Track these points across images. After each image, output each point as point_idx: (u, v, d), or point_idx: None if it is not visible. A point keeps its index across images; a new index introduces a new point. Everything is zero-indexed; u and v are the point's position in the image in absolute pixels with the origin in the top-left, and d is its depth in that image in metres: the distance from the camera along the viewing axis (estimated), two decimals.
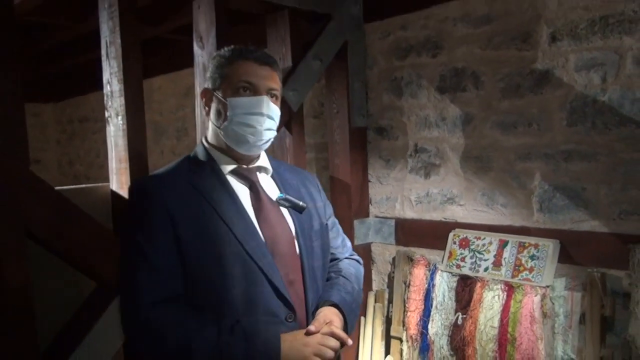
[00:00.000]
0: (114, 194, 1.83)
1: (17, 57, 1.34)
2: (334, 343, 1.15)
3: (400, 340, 2.46)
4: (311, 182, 1.48)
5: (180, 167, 1.33)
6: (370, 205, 2.73)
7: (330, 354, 1.16)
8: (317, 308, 1.31)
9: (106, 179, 1.89)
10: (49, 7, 2.69)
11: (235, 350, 1.12)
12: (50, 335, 1.71)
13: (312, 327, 1.20)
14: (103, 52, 1.82)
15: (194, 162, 1.34)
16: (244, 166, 1.33)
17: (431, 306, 2.34)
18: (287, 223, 1.31)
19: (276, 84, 1.31)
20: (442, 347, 2.30)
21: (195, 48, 2.17)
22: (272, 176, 1.39)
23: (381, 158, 2.68)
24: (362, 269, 1.53)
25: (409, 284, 2.43)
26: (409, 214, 2.59)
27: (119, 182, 1.80)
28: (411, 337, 2.39)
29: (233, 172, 1.31)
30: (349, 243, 1.56)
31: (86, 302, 1.77)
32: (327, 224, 1.44)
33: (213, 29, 2.10)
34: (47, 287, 1.72)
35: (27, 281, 1.35)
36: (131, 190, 1.30)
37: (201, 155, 1.34)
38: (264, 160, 1.38)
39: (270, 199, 1.32)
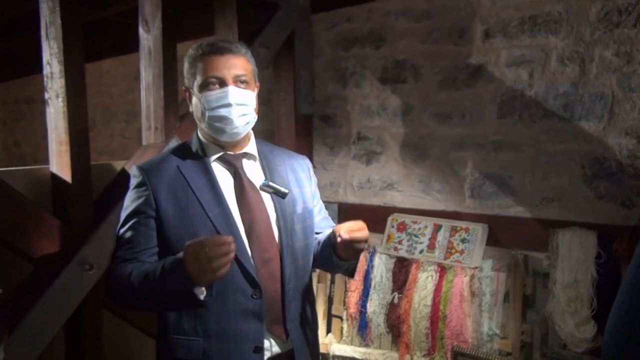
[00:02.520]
0: (54, 176, 1.83)
1: None
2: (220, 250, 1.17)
3: (341, 318, 2.57)
4: (302, 168, 1.55)
5: (173, 153, 1.42)
6: None
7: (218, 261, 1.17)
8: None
9: None
10: None
11: (156, 279, 1.24)
12: None
13: (341, 232, 1.31)
14: (42, 32, 1.80)
15: (186, 149, 1.44)
16: (230, 153, 1.41)
17: (370, 286, 2.46)
18: (266, 207, 1.39)
19: (242, 68, 1.36)
20: (380, 325, 2.42)
21: (141, 32, 2.17)
22: (259, 162, 1.46)
23: (326, 145, 2.76)
24: None
25: None
26: (351, 198, 2.69)
27: (59, 164, 1.81)
28: (351, 315, 2.50)
29: (219, 159, 1.41)
30: (334, 224, 1.64)
31: (24, 284, 1.77)
32: (312, 209, 1.52)
33: (159, 12, 2.11)
34: None
35: None
36: (131, 174, 1.41)
37: (194, 142, 1.44)
38: (251, 147, 1.46)
39: (252, 185, 1.40)
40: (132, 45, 3.53)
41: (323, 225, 1.59)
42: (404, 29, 2.44)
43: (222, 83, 1.34)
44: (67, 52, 1.76)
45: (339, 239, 1.31)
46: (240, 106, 1.35)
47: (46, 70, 1.81)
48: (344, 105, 2.67)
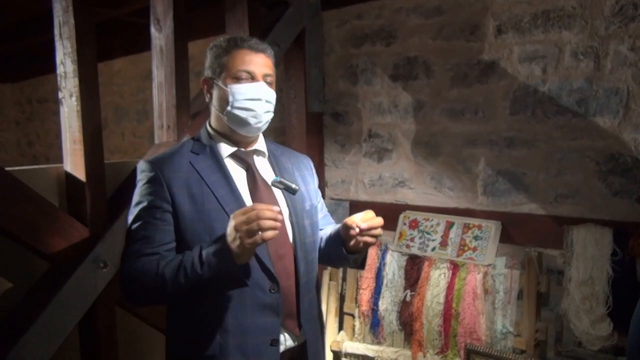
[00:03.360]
0: (69, 175, 1.84)
1: None
2: (270, 213, 1.16)
3: (353, 316, 2.57)
4: (305, 166, 1.57)
5: (184, 148, 1.42)
6: (326, 187, 2.82)
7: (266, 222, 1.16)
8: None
9: None
10: None
11: (194, 265, 1.22)
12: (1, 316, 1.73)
13: (353, 224, 1.29)
14: (56, 32, 1.81)
15: (196, 144, 1.43)
16: (242, 149, 1.43)
17: (382, 284, 2.45)
18: (279, 203, 1.40)
19: (271, 69, 1.41)
20: (392, 322, 2.41)
21: (153, 31, 2.18)
22: (268, 159, 1.48)
23: (337, 142, 2.76)
24: None
25: None
26: (363, 196, 2.68)
27: (72, 163, 1.82)
28: (363, 313, 2.50)
29: (231, 155, 1.41)
30: (333, 222, 1.67)
31: (38, 282, 1.79)
32: (317, 205, 1.55)
33: (170, 12, 2.11)
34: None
35: None
36: (139, 169, 1.39)
37: (204, 138, 1.44)
38: (261, 144, 1.48)
39: (265, 181, 1.42)
40: (143, 44, 3.56)
41: (323, 222, 1.60)
42: (415, 25, 2.43)
43: (253, 78, 1.36)
44: (80, 52, 1.77)
45: (357, 230, 1.30)
46: (267, 103, 1.38)
47: (60, 69, 1.82)
48: (354, 102, 2.67)
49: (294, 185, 1.40)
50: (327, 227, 1.58)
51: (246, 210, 1.17)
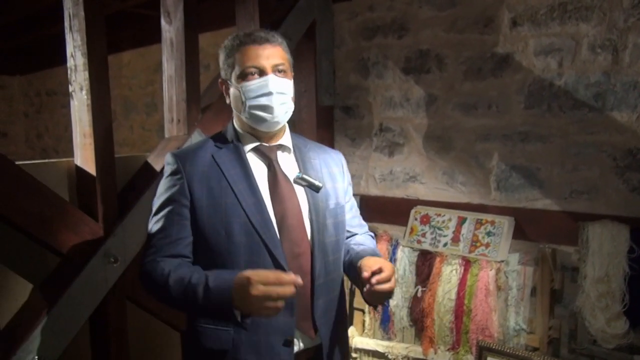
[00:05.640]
0: (79, 169, 1.83)
1: None
2: (281, 290, 1.15)
3: (363, 311, 2.55)
4: (335, 162, 1.53)
5: (208, 143, 1.42)
6: None
7: (275, 302, 1.16)
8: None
9: None
10: None
11: (197, 295, 1.22)
12: (12, 311, 1.73)
13: (372, 280, 1.26)
14: (66, 24, 1.80)
15: (221, 138, 1.43)
16: (265, 144, 1.40)
17: None
18: (299, 200, 1.38)
19: (280, 57, 1.36)
20: (402, 319, 2.39)
21: (163, 23, 2.16)
22: (294, 154, 1.45)
23: (347, 137, 2.73)
24: (375, 242, 1.63)
25: None
26: (373, 191, 2.66)
27: (83, 157, 1.81)
28: (373, 308, 2.48)
29: (254, 150, 1.40)
30: (364, 223, 1.65)
31: (50, 276, 1.79)
32: (344, 204, 1.50)
33: (181, 4, 2.09)
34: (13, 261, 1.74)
35: None
36: (165, 161, 1.40)
37: (229, 134, 1.43)
38: (286, 139, 1.45)
39: (286, 177, 1.39)
40: (152, 37, 3.54)
41: (354, 223, 1.57)
42: (427, 17, 2.39)
43: (262, 72, 1.33)
44: (90, 45, 1.75)
45: (366, 287, 1.27)
46: (280, 95, 1.34)
47: (70, 63, 1.81)
48: (365, 96, 2.64)
49: (317, 182, 1.38)
50: (356, 238, 1.54)
51: (267, 281, 1.14)
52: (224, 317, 1.22)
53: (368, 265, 1.30)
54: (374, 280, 1.24)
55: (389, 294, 1.29)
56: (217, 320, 1.30)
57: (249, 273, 1.16)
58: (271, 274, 1.16)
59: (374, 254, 1.43)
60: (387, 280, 1.26)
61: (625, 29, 1.91)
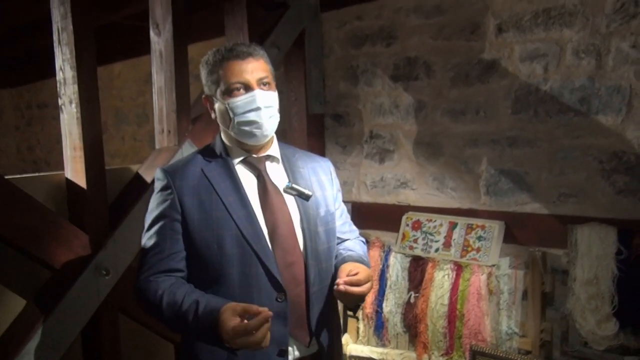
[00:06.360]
0: (69, 182, 1.83)
1: None
2: (258, 337, 1.16)
3: (357, 318, 2.56)
4: (323, 170, 1.54)
5: (197, 157, 1.42)
6: None
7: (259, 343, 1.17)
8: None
9: None
10: None
11: (187, 323, 1.23)
12: (4, 325, 1.72)
13: (339, 280, 1.29)
14: (55, 38, 1.80)
15: (209, 152, 1.44)
16: (254, 155, 1.41)
17: (385, 286, 2.44)
18: (289, 209, 1.39)
19: (264, 71, 1.36)
20: (396, 325, 2.40)
21: (152, 35, 2.17)
22: (282, 164, 1.46)
23: (338, 144, 2.75)
24: (366, 248, 1.65)
25: None
26: (365, 197, 2.67)
27: (73, 170, 1.81)
28: (367, 315, 2.48)
29: (243, 162, 1.41)
30: (355, 229, 1.66)
31: (42, 290, 1.78)
32: (334, 212, 1.51)
33: (169, 15, 2.11)
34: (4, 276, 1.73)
35: None
36: (155, 176, 1.40)
37: (217, 147, 1.43)
38: (274, 149, 1.46)
39: (275, 187, 1.40)
40: (142, 48, 3.54)
41: (344, 229, 1.58)
42: (415, 25, 2.42)
43: (247, 88, 1.33)
44: (79, 58, 1.76)
45: (335, 287, 1.29)
46: (268, 108, 1.35)
47: (59, 76, 1.82)
48: (355, 103, 2.66)
49: (306, 191, 1.39)
50: (346, 243, 1.55)
51: (238, 334, 1.14)
52: (214, 343, 1.23)
53: (345, 269, 1.32)
54: (341, 280, 1.27)
55: (358, 297, 1.30)
56: (209, 344, 1.30)
57: (223, 328, 1.15)
58: (239, 327, 1.14)
59: (360, 260, 1.44)
60: (358, 283, 1.28)
61: (607, 34, 1.94)
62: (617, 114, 1.95)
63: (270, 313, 1.16)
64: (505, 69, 2.19)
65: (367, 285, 1.31)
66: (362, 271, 1.31)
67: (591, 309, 1.93)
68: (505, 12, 2.17)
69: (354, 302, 1.38)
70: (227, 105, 1.33)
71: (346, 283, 1.27)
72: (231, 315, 1.16)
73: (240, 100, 1.32)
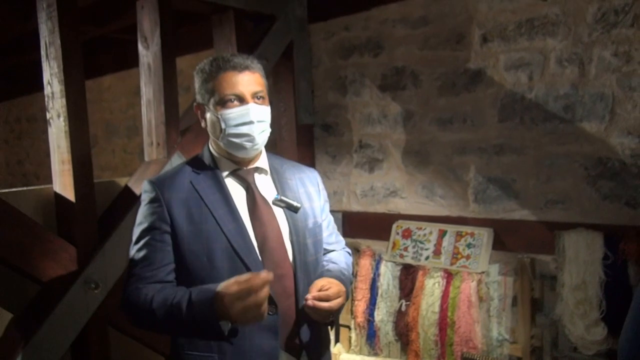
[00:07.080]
0: (58, 196, 1.83)
1: None
2: (259, 298, 1.16)
3: (349, 328, 2.56)
4: (311, 181, 1.54)
5: (185, 168, 1.41)
6: None
7: (258, 309, 1.17)
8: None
9: None
10: None
11: (181, 312, 1.22)
12: None
13: (308, 296, 1.30)
14: (42, 52, 1.81)
15: (197, 163, 1.43)
16: (243, 168, 1.41)
17: (377, 295, 2.45)
18: (278, 222, 1.39)
19: (259, 85, 1.36)
20: (388, 333, 2.40)
21: (140, 48, 2.18)
22: (271, 176, 1.46)
23: (328, 154, 2.76)
24: (351, 259, 1.64)
25: (356, 274, 2.52)
26: (355, 207, 2.68)
27: (62, 183, 1.81)
28: (359, 324, 2.49)
29: (232, 174, 1.40)
30: (342, 239, 1.66)
31: (30, 305, 1.77)
32: (321, 223, 1.51)
33: (157, 29, 2.12)
34: None
35: None
36: (142, 188, 1.39)
37: (205, 158, 1.43)
38: (262, 161, 1.45)
39: (265, 199, 1.40)
40: (132, 60, 3.55)
41: (331, 240, 1.58)
42: (401, 36, 2.45)
43: (242, 100, 1.32)
44: (67, 72, 1.77)
45: (304, 302, 1.30)
46: (261, 123, 1.34)
47: (47, 90, 1.82)
48: (344, 113, 2.68)
49: (295, 203, 1.39)
50: (331, 255, 1.55)
51: (239, 283, 1.15)
52: (211, 331, 1.21)
53: (317, 284, 1.33)
54: (309, 295, 1.29)
55: (327, 312, 1.31)
56: (204, 337, 1.29)
57: (222, 290, 1.16)
58: (243, 285, 1.15)
59: (338, 275, 1.43)
60: (327, 299, 1.29)
61: (589, 42, 1.98)
62: (601, 121, 1.98)
63: (271, 274, 1.16)
64: (490, 77, 2.22)
65: (337, 300, 1.31)
66: (333, 286, 1.32)
67: (580, 314, 1.95)
68: (490, 22, 2.20)
69: (324, 317, 1.36)
70: (219, 116, 1.32)
71: (315, 298, 1.28)
72: (232, 282, 1.17)
73: (234, 112, 1.32)
